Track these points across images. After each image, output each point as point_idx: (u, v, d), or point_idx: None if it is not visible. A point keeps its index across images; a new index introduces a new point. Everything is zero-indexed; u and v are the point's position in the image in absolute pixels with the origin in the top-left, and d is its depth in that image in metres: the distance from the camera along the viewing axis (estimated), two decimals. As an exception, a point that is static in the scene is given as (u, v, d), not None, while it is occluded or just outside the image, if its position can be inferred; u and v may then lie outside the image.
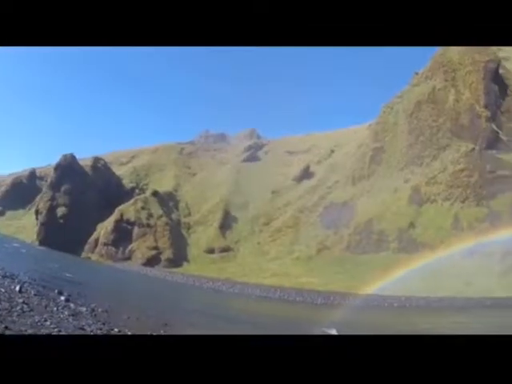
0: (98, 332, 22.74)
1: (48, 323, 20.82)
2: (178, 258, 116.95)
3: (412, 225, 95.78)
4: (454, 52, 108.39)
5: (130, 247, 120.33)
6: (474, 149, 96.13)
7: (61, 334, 19.27)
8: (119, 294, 58.36)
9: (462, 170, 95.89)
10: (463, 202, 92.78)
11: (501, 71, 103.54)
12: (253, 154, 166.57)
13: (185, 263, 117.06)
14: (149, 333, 25.94)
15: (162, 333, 27.29)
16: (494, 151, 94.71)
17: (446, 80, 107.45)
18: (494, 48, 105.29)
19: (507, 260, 78.61)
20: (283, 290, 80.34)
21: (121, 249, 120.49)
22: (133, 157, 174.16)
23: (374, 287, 76.45)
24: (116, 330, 24.71)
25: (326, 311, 62.22)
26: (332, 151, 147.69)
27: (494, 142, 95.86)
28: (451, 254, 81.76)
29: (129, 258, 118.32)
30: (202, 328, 34.77)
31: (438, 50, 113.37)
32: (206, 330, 33.61)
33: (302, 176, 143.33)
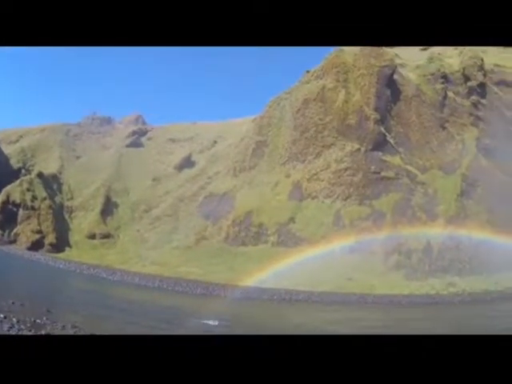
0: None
1: None
2: (61, 243, 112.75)
3: (292, 219, 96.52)
4: (350, 54, 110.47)
5: (15, 230, 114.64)
6: (359, 149, 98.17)
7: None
8: (5, 279, 57.16)
9: (346, 169, 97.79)
10: (345, 200, 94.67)
11: (395, 77, 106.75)
12: (136, 140, 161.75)
13: (67, 248, 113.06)
14: (32, 319, 27.04)
15: (44, 319, 28.16)
16: (379, 153, 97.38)
17: (338, 80, 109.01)
18: (392, 54, 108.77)
19: (390, 259, 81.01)
20: (162, 280, 79.65)
21: (7, 231, 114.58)
22: (21, 136, 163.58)
23: (253, 279, 77.04)
24: (2, 315, 25.59)
25: (206, 302, 62.73)
26: (215, 142, 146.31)
27: (380, 144, 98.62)
28: (332, 250, 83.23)
29: (14, 242, 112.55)
30: (82, 316, 35.86)
31: (333, 50, 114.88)
32: (86, 317, 35.27)
33: (184, 165, 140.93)
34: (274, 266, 79.72)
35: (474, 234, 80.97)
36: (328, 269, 79.10)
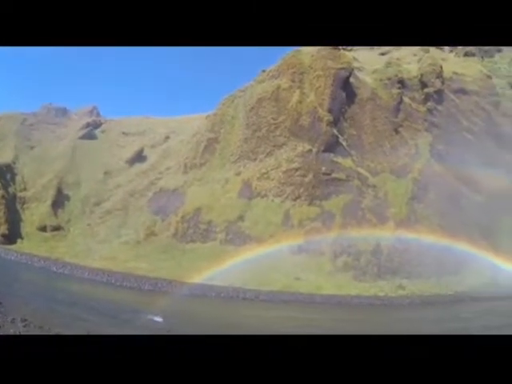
0: None
1: None
2: (13, 235, 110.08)
3: (241, 218, 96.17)
4: (307, 56, 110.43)
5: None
6: (311, 150, 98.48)
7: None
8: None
9: (297, 169, 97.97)
10: (295, 199, 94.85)
11: (352, 80, 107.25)
12: (90, 132, 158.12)
13: (19, 240, 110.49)
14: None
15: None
16: (331, 154, 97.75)
17: (293, 81, 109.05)
18: (350, 57, 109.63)
19: (338, 260, 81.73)
20: (111, 274, 79.35)
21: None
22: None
23: (201, 276, 76.98)
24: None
25: (153, 298, 62.74)
26: (167, 137, 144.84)
27: (332, 146, 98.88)
28: (280, 250, 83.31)
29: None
30: (32, 309, 36.35)
31: (291, 51, 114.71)
32: (36, 311, 35.86)
33: (135, 159, 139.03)
34: (222, 264, 79.91)
35: (424, 237, 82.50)
36: (276, 268, 79.37)
